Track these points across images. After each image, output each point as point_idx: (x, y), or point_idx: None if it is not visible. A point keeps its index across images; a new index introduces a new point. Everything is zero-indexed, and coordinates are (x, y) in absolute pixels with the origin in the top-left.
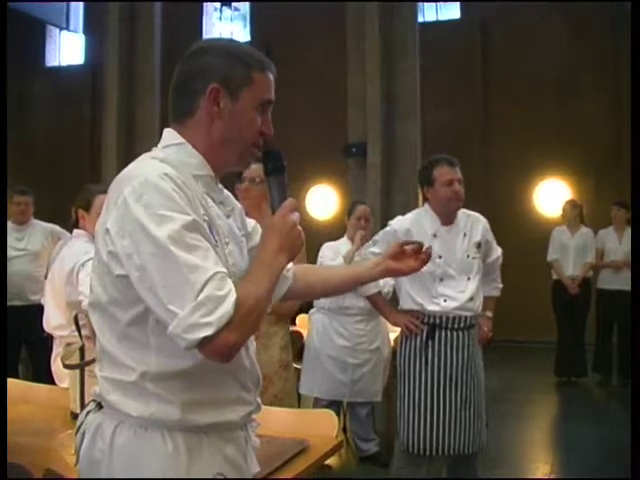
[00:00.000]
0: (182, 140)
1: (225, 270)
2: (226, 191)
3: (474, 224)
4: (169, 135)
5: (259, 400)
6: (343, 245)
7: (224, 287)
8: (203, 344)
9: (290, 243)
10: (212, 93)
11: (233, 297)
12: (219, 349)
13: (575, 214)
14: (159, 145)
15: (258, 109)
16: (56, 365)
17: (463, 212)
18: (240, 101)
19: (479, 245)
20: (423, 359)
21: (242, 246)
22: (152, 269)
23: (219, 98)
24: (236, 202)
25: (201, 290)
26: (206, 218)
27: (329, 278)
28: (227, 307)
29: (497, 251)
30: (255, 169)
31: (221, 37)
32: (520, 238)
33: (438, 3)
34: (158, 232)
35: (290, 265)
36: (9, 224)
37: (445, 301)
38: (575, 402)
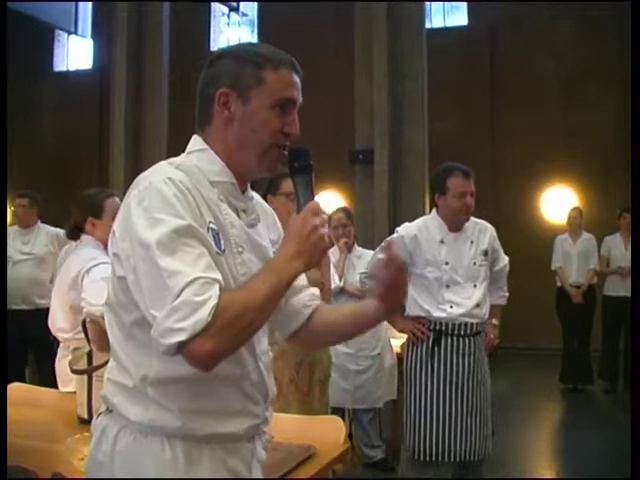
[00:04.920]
0: (205, 146)
1: (216, 277)
2: (257, 199)
3: (481, 232)
4: (194, 141)
5: (268, 414)
6: (333, 254)
7: (204, 293)
8: (180, 350)
9: (309, 248)
10: (221, 98)
11: (212, 303)
12: (196, 356)
13: (578, 221)
14: (185, 151)
15: (275, 109)
16: (61, 368)
17: (471, 219)
18: (251, 103)
19: (486, 253)
20: (429, 366)
21: (267, 256)
22: (141, 272)
23: (229, 102)
24: (271, 212)
25: (178, 295)
26: (213, 226)
27: (343, 320)
28: (203, 313)
29: (504, 260)
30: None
31: (242, 43)
32: (526, 244)
33: (446, 5)
34: (149, 236)
35: (315, 303)
36: (15, 228)
37: (451, 307)
38: (581, 409)
